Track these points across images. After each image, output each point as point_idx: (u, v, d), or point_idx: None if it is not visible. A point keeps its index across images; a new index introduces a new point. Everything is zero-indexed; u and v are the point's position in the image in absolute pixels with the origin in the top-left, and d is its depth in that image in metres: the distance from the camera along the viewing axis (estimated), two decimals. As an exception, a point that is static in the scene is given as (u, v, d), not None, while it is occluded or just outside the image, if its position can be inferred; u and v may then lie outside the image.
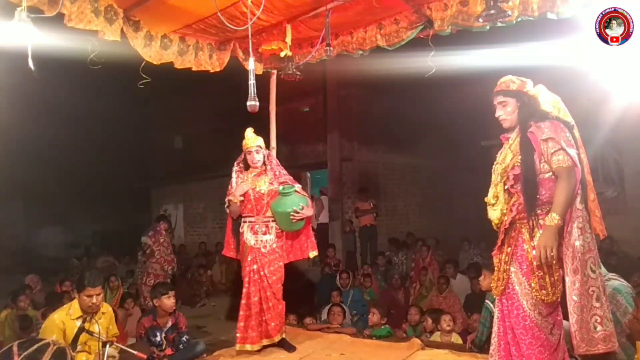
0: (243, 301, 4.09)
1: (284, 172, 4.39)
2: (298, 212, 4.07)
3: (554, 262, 2.49)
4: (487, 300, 4.06)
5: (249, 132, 4.25)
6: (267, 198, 4.17)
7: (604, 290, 2.56)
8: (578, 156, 2.58)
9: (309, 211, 4.17)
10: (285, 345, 4.19)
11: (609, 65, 3.67)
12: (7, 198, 11.68)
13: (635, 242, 7.18)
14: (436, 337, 4.70)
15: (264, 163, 4.25)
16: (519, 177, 2.61)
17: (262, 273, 4.10)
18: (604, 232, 2.69)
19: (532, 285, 2.56)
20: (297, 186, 4.24)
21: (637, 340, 3.19)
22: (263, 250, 4.13)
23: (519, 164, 2.61)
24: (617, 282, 3.53)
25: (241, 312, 4.08)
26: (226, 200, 4.25)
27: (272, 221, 4.20)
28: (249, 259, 4.13)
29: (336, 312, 5.34)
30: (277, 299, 4.14)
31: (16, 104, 6.70)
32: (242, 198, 4.14)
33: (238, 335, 4.07)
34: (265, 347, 4.11)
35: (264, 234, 4.16)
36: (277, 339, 4.14)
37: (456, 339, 4.61)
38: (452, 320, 4.71)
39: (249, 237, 4.15)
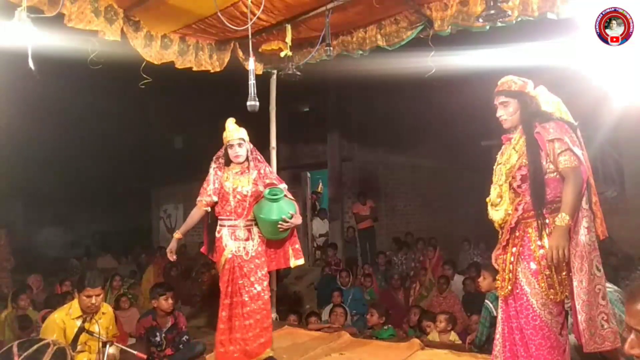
0: (223, 313, 3.59)
1: (270, 169, 3.92)
2: (287, 221, 3.54)
3: (566, 261, 2.49)
4: (486, 300, 4.07)
5: (230, 123, 3.71)
6: (250, 200, 3.63)
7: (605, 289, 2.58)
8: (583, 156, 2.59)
9: (297, 219, 3.64)
10: None
11: (609, 65, 3.66)
12: (7, 198, 11.65)
13: (635, 242, 7.16)
14: (434, 336, 4.69)
15: (247, 159, 3.70)
16: (527, 177, 2.60)
17: (243, 283, 3.57)
18: (605, 233, 2.70)
19: (541, 285, 2.55)
20: (283, 186, 3.73)
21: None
22: (245, 257, 3.59)
23: (525, 164, 2.61)
24: (607, 289, 3.52)
25: (221, 325, 3.59)
26: (197, 200, 3.72)
27: (255, 225, 3.68)
28: (226, 268, 3.59)
29: (338, 312, 5.35)
30: (265, 311, 3.64)
31: (16, 104, 6.69)
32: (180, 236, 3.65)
33: (221, 350, 3.59)
34: None
35: (246, 239, 3.62)
36: (264, 356, 3.62)
37: (454, 337, 4.61)
38: (447, 320, 4.68)
39: (228, 244, 3.60)
